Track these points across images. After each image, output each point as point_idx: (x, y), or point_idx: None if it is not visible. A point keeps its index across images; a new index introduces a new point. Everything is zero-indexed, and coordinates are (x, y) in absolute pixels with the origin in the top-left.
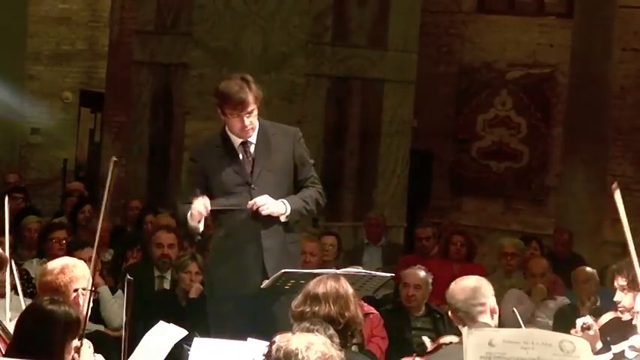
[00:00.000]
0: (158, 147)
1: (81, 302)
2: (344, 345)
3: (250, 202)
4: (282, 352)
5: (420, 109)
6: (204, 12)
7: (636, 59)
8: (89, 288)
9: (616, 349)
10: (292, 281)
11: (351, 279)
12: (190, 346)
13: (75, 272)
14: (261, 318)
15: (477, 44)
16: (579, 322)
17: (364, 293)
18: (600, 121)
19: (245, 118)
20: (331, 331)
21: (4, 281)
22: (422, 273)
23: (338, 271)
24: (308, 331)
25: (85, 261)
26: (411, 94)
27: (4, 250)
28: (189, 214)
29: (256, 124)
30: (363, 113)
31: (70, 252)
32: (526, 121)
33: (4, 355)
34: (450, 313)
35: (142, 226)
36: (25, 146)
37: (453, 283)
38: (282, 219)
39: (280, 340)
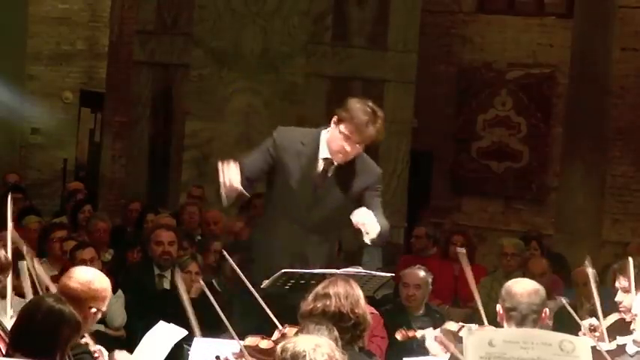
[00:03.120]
0: (158, 147)
1: (89, 320)
2: (351, 343)
3: (354, 217)
4: (288, 353)
5: (420, 109)
6: (204, 12)
7: (636, 59)
8: (103, 309)
9: (620, 341)
10: (292, 281)
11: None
12: (190, 346)
13: (98, 292)
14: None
15: (477, 44)
16: (585, 323)
17: (364, 293)
18: (600, 121)
19: (351, 145)
20: (336, 332)
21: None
22: (422, 273)
23: (338, 271)
24: (314, 331)
25: (86, 261)
26: (411, 94)
27: (6, 250)
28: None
29: (352, 156)
30: None
31: (72, 252)
32: (526, 121)
33: (4, 355)
34: (500, 309)
35: (143, 226)
36: (25, 146)
37: (513, 282)
38: (367, 239)
39: (286, 342)
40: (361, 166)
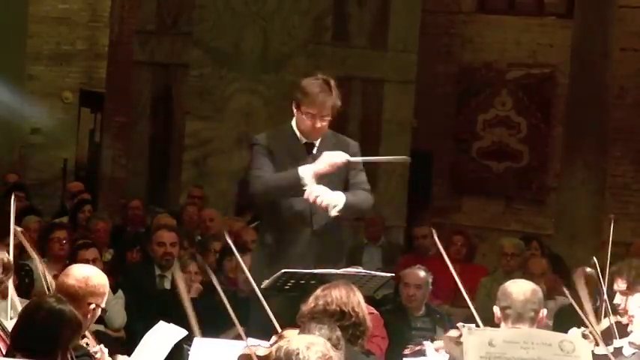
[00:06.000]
0: (158, 147)
1: (89, 317)
2: (351, 342)
3: (307, 193)
4: (282, 351)
5: (420, 109)
6: (204, 12)
7: (636, 59)
8: (102, 305)
9: (617, 344)
10: (292, 281)
11: (351, 279)
12: (190, 346)
13: (96, 288)
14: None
15: (477, 44)
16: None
17: (364, 293)
18: (600, 121)
19: (318, 121)
20: (338, 332)
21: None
22: (422, 273)
23: (338, 271)
24: (315, 329)
25: (88, 261)
26: (411, 94)
27: (8, 252)
28: (300, 171)
29: (325, 129)
30: (363, 113)
31: (75, 252)
32: (526, 121)
33: (5, 355)
34: (497, 310)
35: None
36: (25, 146)
37: (509, 283)
38: (333, 213)
39: (281, 340)
40: (336, 142)
